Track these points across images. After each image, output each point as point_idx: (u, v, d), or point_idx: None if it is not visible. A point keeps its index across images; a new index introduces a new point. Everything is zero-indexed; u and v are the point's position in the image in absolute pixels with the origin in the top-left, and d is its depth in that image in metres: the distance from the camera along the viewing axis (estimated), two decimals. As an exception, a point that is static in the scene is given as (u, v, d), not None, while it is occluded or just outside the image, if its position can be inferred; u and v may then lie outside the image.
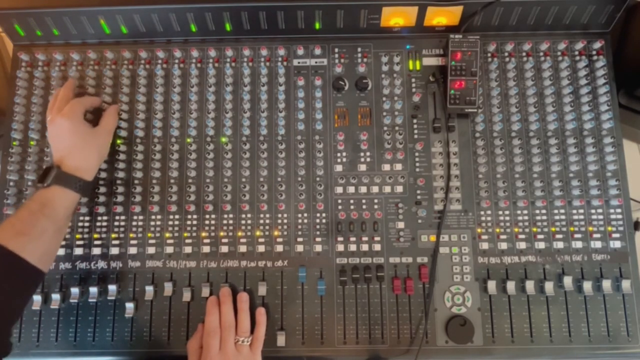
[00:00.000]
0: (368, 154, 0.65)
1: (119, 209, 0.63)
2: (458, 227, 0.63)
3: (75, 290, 0.60)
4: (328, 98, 0.67)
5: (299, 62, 0.68)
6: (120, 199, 0.63)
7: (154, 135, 0.65)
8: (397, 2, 0.62)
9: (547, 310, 0.60)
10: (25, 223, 0.50)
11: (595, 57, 0.66)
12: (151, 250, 0.62)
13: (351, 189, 0.64)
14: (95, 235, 0.63)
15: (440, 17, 0.65)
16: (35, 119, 0.65)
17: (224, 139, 0.65)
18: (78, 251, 0.62)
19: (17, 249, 0.48)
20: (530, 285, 0.60)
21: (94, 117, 0.63)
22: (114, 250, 0.62)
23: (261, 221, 0.63)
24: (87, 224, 0.63)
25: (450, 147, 0.65)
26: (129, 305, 0.60)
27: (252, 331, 0.58)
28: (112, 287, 0.60)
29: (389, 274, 0.62)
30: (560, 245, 0.62)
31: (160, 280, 0.62)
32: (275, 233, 0.63)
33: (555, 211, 0.63)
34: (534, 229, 0.62)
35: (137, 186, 0.64)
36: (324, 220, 0.63)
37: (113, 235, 0.63)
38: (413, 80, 0.67)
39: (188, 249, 0.62)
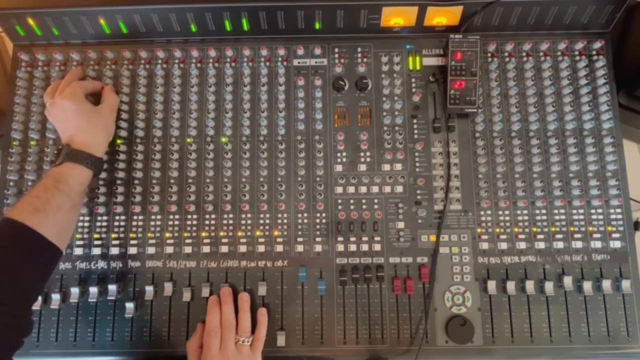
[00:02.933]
0: (368, 154, 0.65)
1: (119, 209, 0.63)
2: (458, 227, 0.63)
3: (75, 290, 0.60)
4: (328, 98, 0.67)
5: (299, 62, 0.68)
6: (120, 199, 0.63)
7: (154, 135, 0.65)
8: (397, 2, 0.62)
9: (547, 310, 0.60)
10: (41, 200, 0.50)
11: (595, 57, 0.66)
12: (151, 250, 0.62)
13: (351, 189, 0.64)
14: (95, 235, 0.63)
15: (440, 17, 0.65)
16: (35, 119, 0.65)
17: (224, 139, 0.65)
18: (78, 251, 0.62)
19: (34, 225, 0.48)
20: (530, 285, 0.60)
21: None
22: (114, 250, 0.62)
23: (261, 221, 0.63)
24: (87, 224, 0.63)
25: (450, 147, 0.65)
26: (129, 305, 0.60)
27: (252, 331, 0.58)
28: (112, 287, 0.60)
29: (389, 274, 0.62)
30: (560, 245, 0.62)
31: (160, 280, 0.62)
32: (275, 233, 0.63)
33: (555, 211, 0.63)
34: (534, 229, 0.62)
35: (137, 186, 0.64)
36: (324, 220, 0.63)
37: (113, 235, 0.63)
38: (413, 80, 0.67)
39: (188, 249, 0.62)
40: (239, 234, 0.63)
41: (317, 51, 0.67)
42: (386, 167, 0.64)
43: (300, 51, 0.67)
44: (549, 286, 0.60)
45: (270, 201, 0.64)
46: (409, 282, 0.61)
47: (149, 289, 0.60)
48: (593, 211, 0.63)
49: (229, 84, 0.66)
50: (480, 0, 0.61)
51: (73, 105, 0.57)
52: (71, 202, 0.54)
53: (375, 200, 0.64)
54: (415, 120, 0.66)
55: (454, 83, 0.63)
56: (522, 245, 0.62)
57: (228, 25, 0.65)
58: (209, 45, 0.67)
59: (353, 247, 0.62)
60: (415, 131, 0.65)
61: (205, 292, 0.61)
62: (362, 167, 0.64)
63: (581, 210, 0.63)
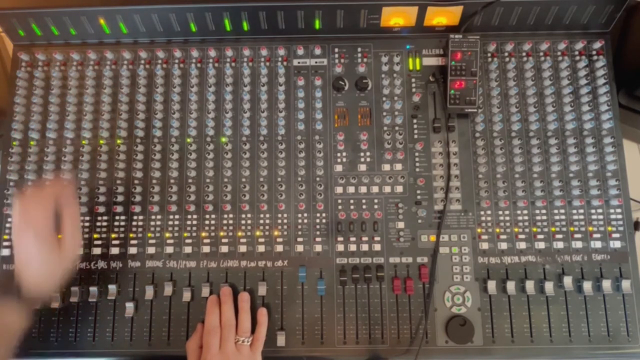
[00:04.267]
0: (368, 154, 0.65)
1: (119, 209, 0.63)
2: (458, 227, 0.63)
3: (75, 290, 0.60)
4: (328, 98, 0.67)
5: (299, 62, 0.68)
6: (120, 198, 0.63)
7: (154, 135, 0.65)
8: (397, 2, 0.62)
9: (547, 310, 0.60)
10: None
11: (595, 57, 0.66)
12: (151, 250, 0.62)
13: (351, 189, 0.64)
14: (95, 235, 0.63)
15: (440, 17, 0.64)
16: (35, 119, 0.65)
17: (224, 139, 0.65)
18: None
19: None
20: (530, 285, 0.60)
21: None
22: (114, 250, 0.62)
23: (261, 221, 0.63)
24: (87, 224, 0.63)
25: (450, 147, 0.65)
26: (129, 305, 0.60)
27: (252, 331, 0.58)
28: (112, 287, 0.60)
29: (389, 274, 0.62)
30: (560, 245, 0.62)
31: (160, 280, 0.62)
32: (275, 233, 0.63)
33: (555, 211, 0.63)
34: (534, 229, 0.62)
35: (137, 186, 0.64)
36: (324, 220, 0.63)
37: (113, 235, 0.63)
38: (413, 80, 0.67)
39: (188, 249, 0.62)
40: (239, 234, 0.63)
41: (317, 51, 0.67)
42: (386, 167, 0.64)
43: (300, 51, 0.67)
44: (549, 286, 0.60)
45: (270, 201, 0.64)
46: (409, 282, 0.61)
47: (149, 289, 0.60)
48: (593, 211, 0.63)
49: (229, 84, 0.66)
50: (480, 0, 0.61)
51: (34, 247, 0.47)
52: None
53: (375, 200, 0.64)
54: (415, 120, 0.66)
55: (454, 83, 0.63)
56: (522, 245, 0.62)
57: (228, 25, 0.65)
58: (209, 45, 0.67)
59: (353, 247, 0.62)
60: (415, 131, 0.65)
61: (205, 292, 0.60)
62: (362, 167, 0.64)
63: (581, 210, 0.63)
